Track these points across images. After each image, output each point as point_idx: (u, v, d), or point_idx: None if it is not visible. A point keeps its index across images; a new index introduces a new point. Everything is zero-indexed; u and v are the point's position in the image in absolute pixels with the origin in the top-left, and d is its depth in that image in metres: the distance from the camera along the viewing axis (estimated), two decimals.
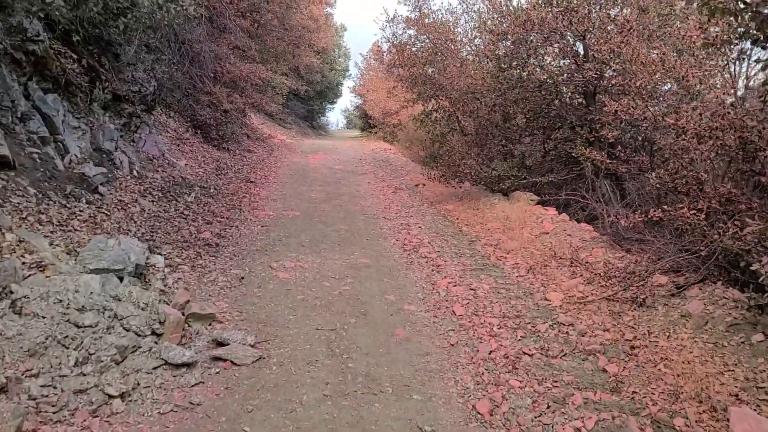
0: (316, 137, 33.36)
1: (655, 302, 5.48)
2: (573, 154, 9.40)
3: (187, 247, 7.04)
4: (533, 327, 5.41)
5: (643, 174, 8.48)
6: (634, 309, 5.51)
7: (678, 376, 4.32)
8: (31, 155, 6.82)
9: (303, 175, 14.38)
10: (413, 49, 15.52)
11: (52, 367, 3.70)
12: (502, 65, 10.73)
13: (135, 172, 9.11)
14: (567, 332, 5.26)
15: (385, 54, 17.38)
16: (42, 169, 6.79)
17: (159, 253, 6.52)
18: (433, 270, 7.10)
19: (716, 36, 5.49)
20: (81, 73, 8.79)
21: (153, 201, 8.44)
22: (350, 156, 19.81)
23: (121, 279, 5.36)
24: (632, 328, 5.18)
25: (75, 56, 8.45)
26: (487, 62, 11.62)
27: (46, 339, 3.80)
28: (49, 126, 7.34)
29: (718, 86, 7.24)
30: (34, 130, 7.11)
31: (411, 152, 22.17)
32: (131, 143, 10.23)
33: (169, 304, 5.02)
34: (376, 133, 30.48)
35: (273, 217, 9.37)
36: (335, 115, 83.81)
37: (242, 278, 6.32)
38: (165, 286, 5.77)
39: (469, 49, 14.34)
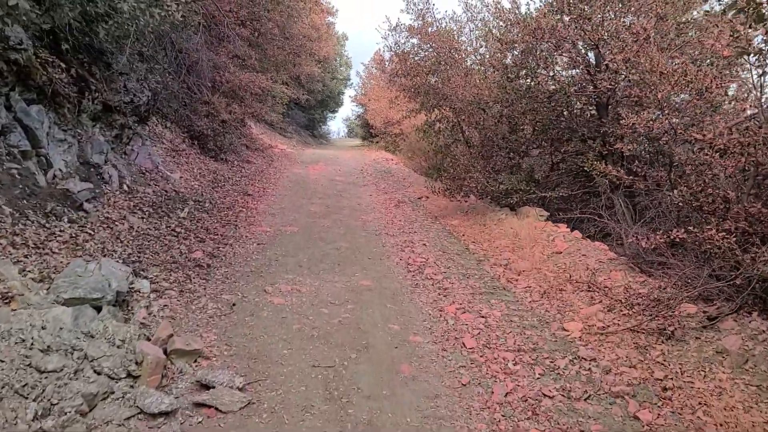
0: (317, 146, 32.94)
1: (685, 335, 4.96)
2: (586, 168, 8.91)
3: (177, 269, 6.53)
4: (552, 362, 4.89)
5: (659, 190, 8.01)
6: (662, 342, 4.99)
7: (720, 425, 3.80)
8: (9, 171, 6.34)
9: (303, 187, 13.90)
10: (416, 58, 15.06)
11: (6, 421, 3.19)
12: (509, 75, 10.26)
13: (125, 187, 8.63)
14: (590, 369, 4.74)
15: (387, 63, 16.95)
16: (21, 186, 6.31)
17: (145, 277, 6.02)
18: (439, 294, 6.58)
19: (750, 44, 5.01)
20: (69, 83, 8.30)
21: (143, 218, 7.95)
22: (351, 166, 19.34)
23: (99, 309, 4.86)
24: (662, 365, 4.66)
25: (63, 65, 7.97)
26: (494, 72, 11.15)
27: (2, 388, 3.29)
28: (32, 139, 6.86)
29: (739, 98, 6.78)
30: (14, 143, 6.63)
31: (413, 163, 21.69)
32: (123, 156, 9.76)
33: (150, 339, 4.51)
34: (377, 142, 30.04)
35: (270, 234, 8.88)
36: (337, 124, 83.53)
37: (234, 305, 5.81)
38: (149, 314, 5.27)
39: (474, 58, 13.89)
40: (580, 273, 6.83)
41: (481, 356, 4.97)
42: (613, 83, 8.13)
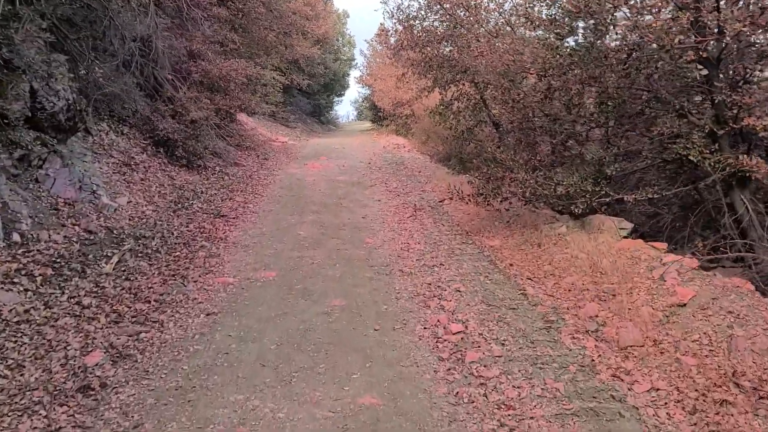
0: (323, 134, 29.83)
1: None
2: (691, 158, 5.79)
3: (34, 409, 3.59)
4: None
5: None
6: None
7: None
8: None
9: (295, 196, 10.87)
10: (424, 23, 11.86)
11: None
12: (559, 31, 7.09)
13: (16, 236, 5.70)
14: None
15: (390, 34, 13.70)
16: None
17: None
18: (501, 423, 3.55)
19: None
20: None
21: (28, 289, 5.02)
22: (357, 159, 16.22)
23: None
24: None
25: None
26: (533, 28, 7.95)
27: None
28: None
29: None
30: None
31: (428, 147, 18.54)
32: (31, 185, 6.84)
33: None
34: (387, 125, 26.79)
35: (232, 289, 5.89)
36: (345, 107, 79.51)
37: None
38: None
39: (497, 16, 10.62)
40: (747, 360, 3.75)
41: None
42: (747, 23, 4.89)
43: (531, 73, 8.20)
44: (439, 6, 11.24)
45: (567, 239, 6.67)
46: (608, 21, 6.01)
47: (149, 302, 5.41)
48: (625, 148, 7.15)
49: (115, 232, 6.96)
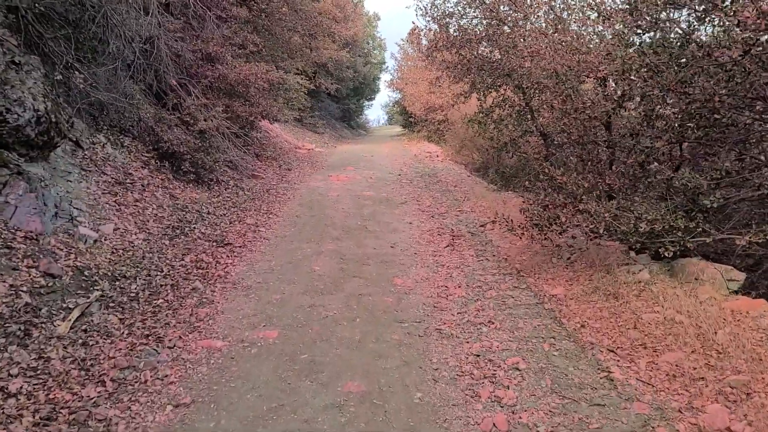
0: (352, 140, 28.44)
1: None
2: None
3: None
4: None
5: None
6: None
7: None
8: None
9: (315, 216, 9.41)
10: (461, 21, 10.31)
11: None
12: (638, 23, 5.46)
13: None
14: None
15: (422, 34, 12.12)
16: None
17: None
18: None
19: None
20: None
21: None
22: (387, 170, 14.70)
23: None
24: None
25: None
26: (602, 21, 6.31)
27: None
28: None
29: None
30: None
31: (462, 156, 16.95)
32: None
33: None
34: (418, 131, 25.24)
35: (216, 362, 4.43)
36: (376, 111, 78.35)
37: None
38: None
39: (547, 10, 8.96)
40: None
41: None
42: None
43: (593, 77, 6.59)
44: (479, 0, 9.67)
45: (653, 290, 5.04)
46: (724, 7, 4.37)
47: (104, 383, 3.99)
48: (728, 171, 5.47)
49: (86, 272, 5.58)
